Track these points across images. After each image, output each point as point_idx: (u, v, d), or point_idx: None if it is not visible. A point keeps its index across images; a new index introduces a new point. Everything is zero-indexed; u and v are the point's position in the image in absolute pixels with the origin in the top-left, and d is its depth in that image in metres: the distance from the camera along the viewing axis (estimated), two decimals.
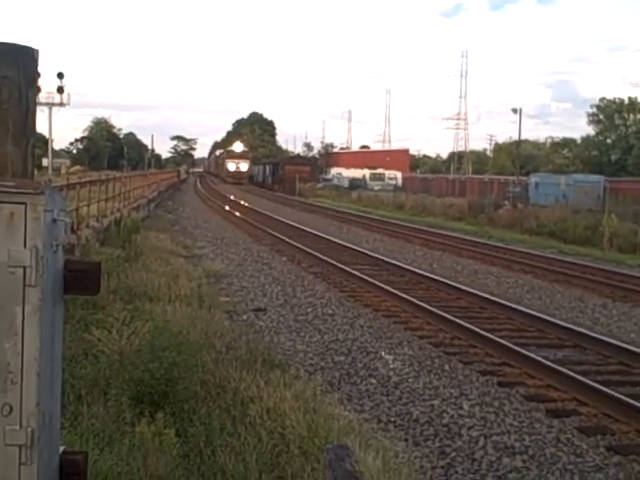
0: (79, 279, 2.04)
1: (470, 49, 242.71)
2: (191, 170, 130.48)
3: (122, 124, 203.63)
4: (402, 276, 15.85)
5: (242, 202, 43.13)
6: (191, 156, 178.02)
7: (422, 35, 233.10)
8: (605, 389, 7.65)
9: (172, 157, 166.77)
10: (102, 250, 13.81)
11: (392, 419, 7.11)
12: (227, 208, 36.98)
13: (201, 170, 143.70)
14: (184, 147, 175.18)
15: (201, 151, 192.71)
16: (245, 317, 11.30)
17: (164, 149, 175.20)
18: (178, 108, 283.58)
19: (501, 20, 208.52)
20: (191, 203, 43.09)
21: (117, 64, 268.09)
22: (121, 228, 17.10)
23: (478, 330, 10.21)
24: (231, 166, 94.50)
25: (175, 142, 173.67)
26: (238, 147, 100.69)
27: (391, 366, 8.90)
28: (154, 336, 6.84)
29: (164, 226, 24.10)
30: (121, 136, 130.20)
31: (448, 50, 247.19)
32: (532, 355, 9.00)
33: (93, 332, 6.85)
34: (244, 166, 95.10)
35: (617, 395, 7.47)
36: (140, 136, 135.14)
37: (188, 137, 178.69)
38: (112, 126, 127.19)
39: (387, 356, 9.31)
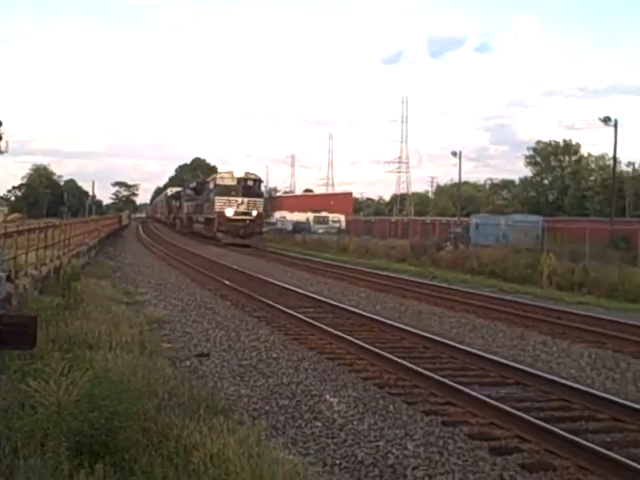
0: (15, 333, 2.02)
1: (410, 95, 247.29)
2: (133, 216, 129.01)
3: (63, 171, 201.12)
4: (347, 318, 15.87)
5: (185, 247, 42.82)
6: (133, 202, 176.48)
7: (364, 81, 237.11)
8: (546, 425, 7.75)
9: (114, 203, 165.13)
10: (41, 298, 13.53)
11: (337, 462, 7.06)
12: (170, 254, 36.63)
13: (143, 216, 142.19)
14: (126, 193, 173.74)
15: (143, 197, 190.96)
16: (188, 363, 11.16)
17: (105, 195, 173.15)
18: (120, 155, 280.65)
19: (441, 67, 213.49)
20: (133, 249, 42.61)
21: (58, 112, 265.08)
22: (61, 276, 16.79)
23: (422, 370, 10.27)
24: (229, 210, 48.83)
25: (117, 188, 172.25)
26: (240, 172, 50.91)
27: (336, 408, 8.87)
28: (94, 385, 6.69)
29: (105, 273, 23.77)
30: (61, 183, 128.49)
31: (389, 96, 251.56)
32: (475, 394, 9.07)
33: (30, 383, 6.68)
34: (255, 209, 50.00)
35: (558, 431, 7.56)
36: (81, 183, 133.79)
37: (130, 183, 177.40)
38: (52, 173, 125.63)
39: (332, 399, 9.29)
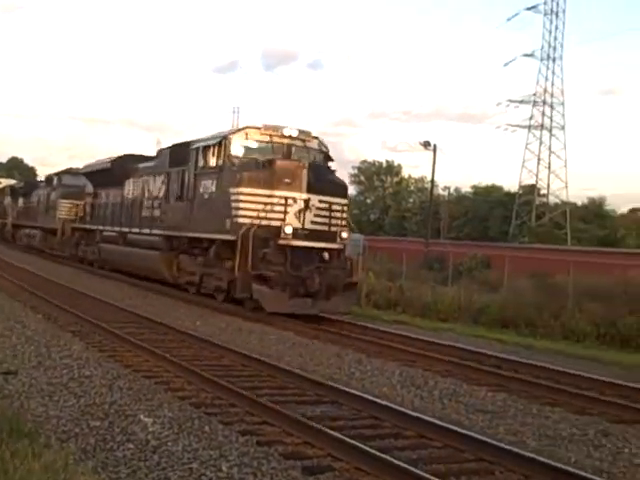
0: None
1: (242, 105, 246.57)
2: None
3: None
4: (165, 334, 15.62)
5: None
6: None
7: (196, 88, 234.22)
8: (357, 443, 7.98)
9: None
10: None
11: None
12: None
13: None
14: None
15: None
16: None
17: None
18: None
19: (273, 80, 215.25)
20: None
21: None
22: None
23: (239, 389, 10.29)
24: (287, 227, 18.95)
25: None
26: (290, 129, 20.90)
27: (150, 429, 8.68)
28: None
29: None
30: None
31: (221, 105, 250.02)
32: (290, 413, 9.20)
33: None
34: (340, 225, 20.11)
35: (367, 449, 7.82)
36: None
37: None
38: None
39: (146, 419, 9.08)
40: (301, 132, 21.47)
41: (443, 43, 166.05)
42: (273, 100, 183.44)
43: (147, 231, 25.88)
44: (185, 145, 23.74)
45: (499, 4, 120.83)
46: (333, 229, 20.07)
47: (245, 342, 15.61)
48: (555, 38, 74.01)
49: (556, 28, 73.77)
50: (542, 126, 73.47)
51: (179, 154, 23.69)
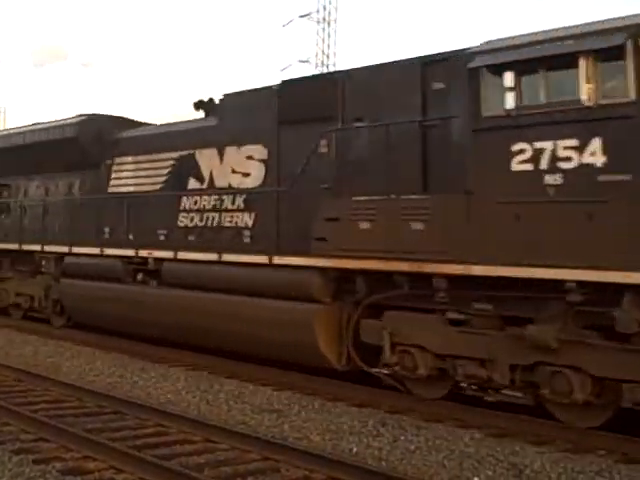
0: None
1: (9, 105, 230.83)
2: None
3: None
4: None
5: None
6: None
7: None
8: (140, 454, 7.78)
9: None
10: None
11: None
12: None
13: None
14: None
15: None
16: None
17: None
18: None
19: (42, 77, 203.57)
20: None
21: None
22: None
23: (10, 406, 9.72)
24: None
25: None
26: None
27: None
28: None
29: None
30: None
31: None
32: (68, 427, 8.80)
33: None
34: None
35: (151, 458, 7.64)
36: None
37: None
38: None
39: None
40: None
41: (219, 44, 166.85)
42: (43, 98, 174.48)
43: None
44: (413, 63, 11.52)
45: (276, 9, 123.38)
46: None
47: (19, 355, 14.66)
48: (328, 46, 76.77)
49: (328, 36, 76.54)
50: None
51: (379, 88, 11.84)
